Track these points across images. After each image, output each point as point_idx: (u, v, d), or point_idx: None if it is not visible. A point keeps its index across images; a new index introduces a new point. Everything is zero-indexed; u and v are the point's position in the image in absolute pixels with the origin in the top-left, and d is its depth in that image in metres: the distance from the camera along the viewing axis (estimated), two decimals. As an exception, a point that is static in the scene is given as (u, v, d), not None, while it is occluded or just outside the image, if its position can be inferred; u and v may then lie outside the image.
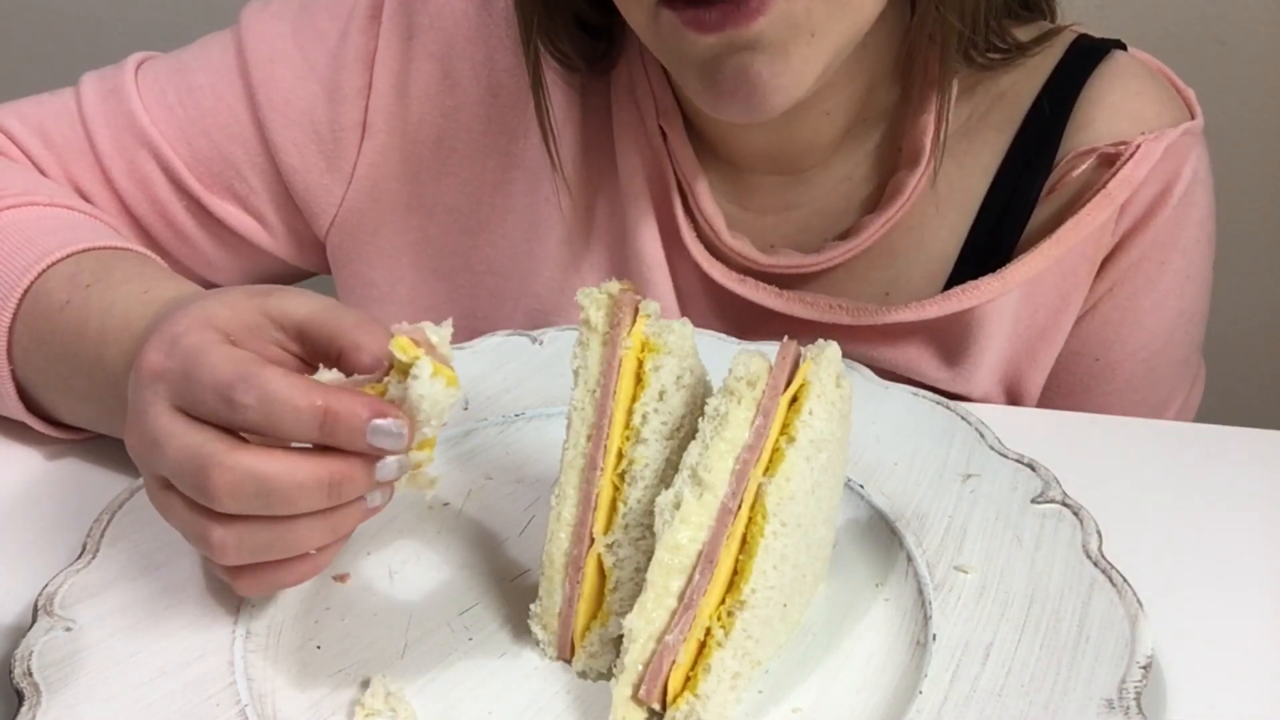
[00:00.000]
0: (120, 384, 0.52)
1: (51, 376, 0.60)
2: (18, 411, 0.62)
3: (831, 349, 0.49)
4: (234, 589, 0.47)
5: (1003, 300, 0.70)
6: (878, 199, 0.72)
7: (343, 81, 0.73)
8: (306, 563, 0.46)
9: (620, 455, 0.49)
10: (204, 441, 0.43)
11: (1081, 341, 0.73)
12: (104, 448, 0.64)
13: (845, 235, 0.72)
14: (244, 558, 0.45)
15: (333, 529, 0.45)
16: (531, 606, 0.50)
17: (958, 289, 0.69)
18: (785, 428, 0.47)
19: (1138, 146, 0.67)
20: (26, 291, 0.60)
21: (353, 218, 0.76)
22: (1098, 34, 0.73)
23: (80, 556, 0.53)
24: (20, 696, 0.46)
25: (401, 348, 0.44)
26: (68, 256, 0.61)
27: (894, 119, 0.70)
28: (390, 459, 0.44)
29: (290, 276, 0.81)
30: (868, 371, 0.69)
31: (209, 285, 0.74)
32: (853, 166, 0.72)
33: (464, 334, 0.80)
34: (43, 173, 0.72)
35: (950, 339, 0.71)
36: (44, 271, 0.61)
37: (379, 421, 0.43)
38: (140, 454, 0.46)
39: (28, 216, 0.65)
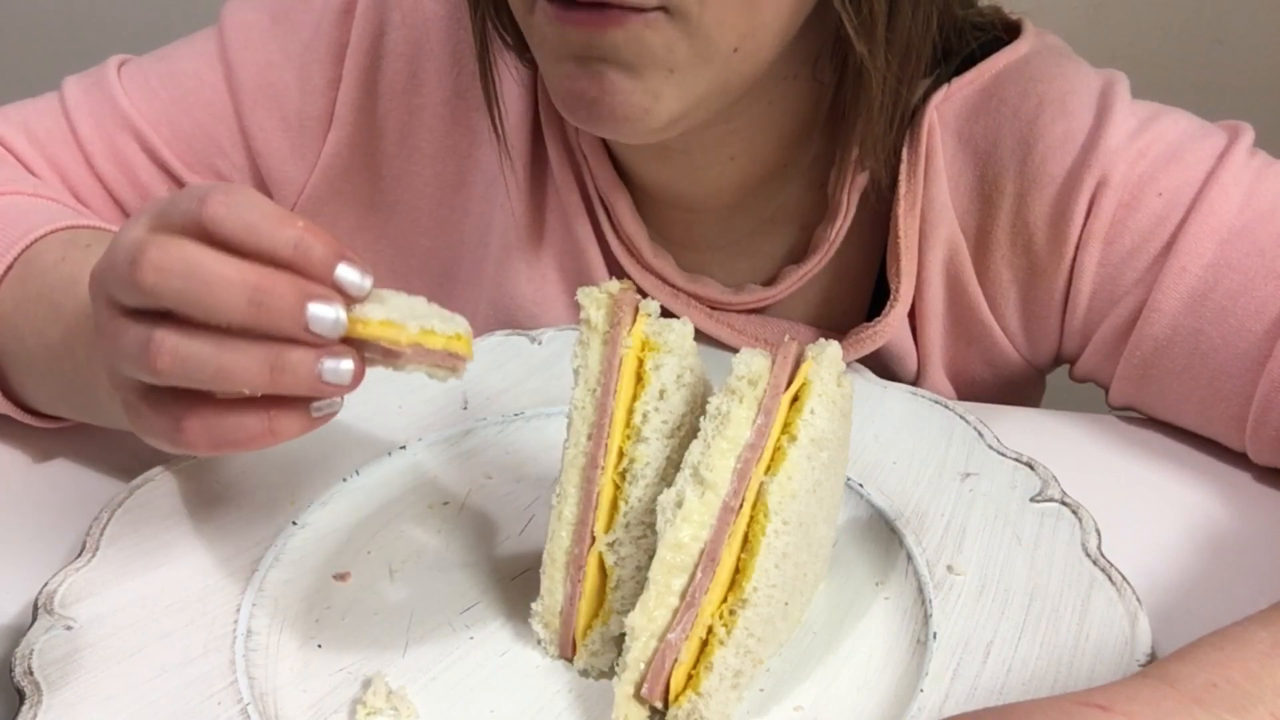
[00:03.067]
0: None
1: (29, 337, 0.59)
2: None
3: (833, 348, 0.49)
4: (180, 440, 0.45)
5: (904, 327, 0.70)
6: (803, 249, 0.72)
7: (313, 73, 0.73)
8: (252, 416, 0.44)
9: (621, 454, 0.49)
10: (150, 233, 0.43)
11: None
12: (104, 446, 0.64)
13: (768, 282, 0.73)
14: (178, 367, 0.42)
15: (271, 365, 0.42)
16: (533, 605, 0.50)
17: (863, 329, 0.70)
18: (787, 426, 0.47)
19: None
20: (13, 264, 0.60)
21: (312, 207, 0.76)
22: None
23: (80, 555, 0.53)
24: (21, 695, 0.46)
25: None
26: (62, 229, 0.62)
27: (819, 168, 0.70)
28: (323, 310, 0.42)
29: None
30: (867, 371, 0.70)
31: None
32: (774, 210, 0.72)
33: None
34: (27, 167, 0.73)
35: (877, 365, 0.72)
36: (35, 241, 0.61)
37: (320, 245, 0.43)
38: (99, 272, 0.45)
39: (12, 203, 0.66)
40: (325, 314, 0.42)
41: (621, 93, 0.57)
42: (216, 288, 0.41)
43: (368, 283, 0.43)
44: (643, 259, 0.72)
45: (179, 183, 0.75)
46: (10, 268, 0.61)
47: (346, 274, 0.43)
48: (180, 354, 0.42)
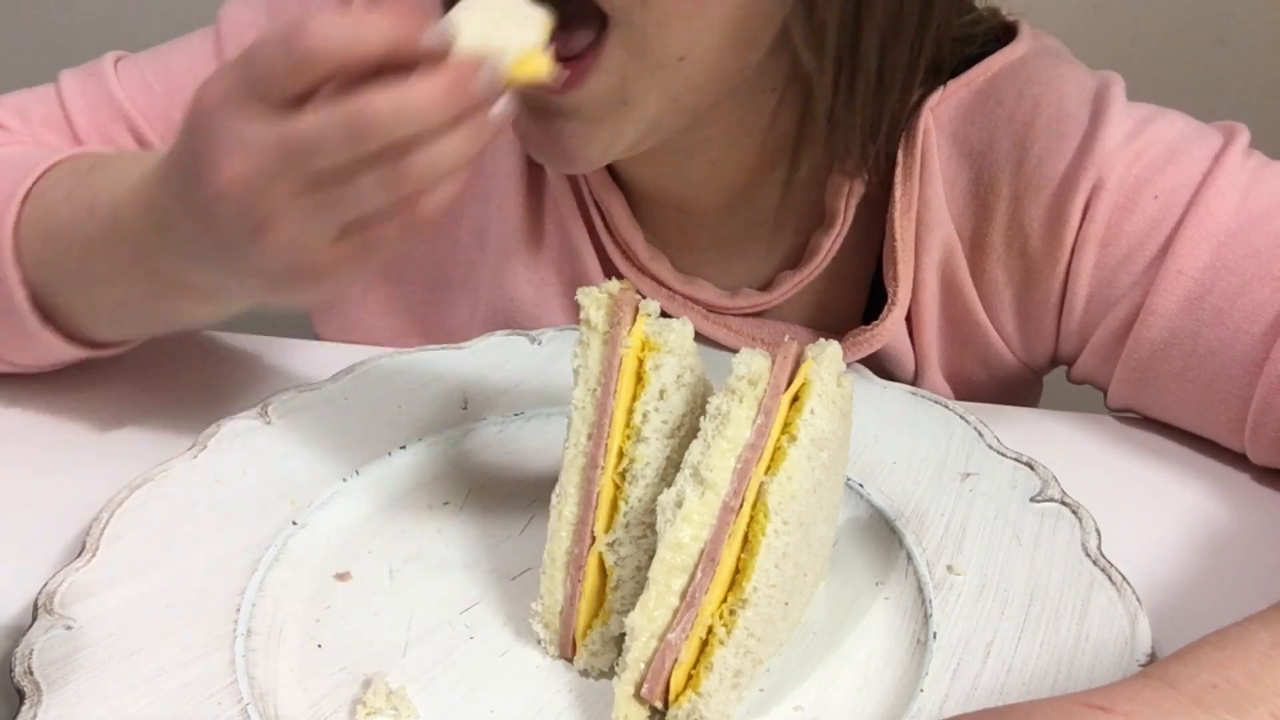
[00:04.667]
0: (142, 240, 0.53)
1: (69, 272, 0.60)
2: (34, 327, 0.61)
3: (833, 348, 0.49)
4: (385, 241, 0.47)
5: (901, 330, 0.71)
6: (799, 254, 0.72)
7: None
8: (440, 191, 0.47)
9: (621, 454, 0.49)
10: (334, 105, 0.44)
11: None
12: (105, 446, 0.64)
13: (764, 288, 0.73)
14: (432, 167, 0.45)
15: (475, 134, 0.46)
16: (533, 605, 0.50)
17: (861, 332, 0.70)
18: (787, 426, 0.47)
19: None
20: (25, 198, 0.61)
21: None
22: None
23: (80, 554, 0.53)
24: (21, 695, 0.46)
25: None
26: (61, 162, 0.63)
27: (815, 175, 0.70)
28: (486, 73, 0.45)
29: None
30: (866, 371, 0.70)
31: None
32: (767, 214, 0.72)
33: (419, 339, 0.80)
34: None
35: (875, 367, 0.72)
36: (40, 177, 0.62)
37: None
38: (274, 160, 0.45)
39: (6, 153, 0.67)
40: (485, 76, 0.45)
41: (581, 142, 0.59)
42: (434, 109, 0.44)
43: (445, 29, 0.45)
44: (638, 261, 0.72)
45: None
46: (21, 210, 0.61)
47: (433, 36, 0.45)
48: (430, 157, 0.45)
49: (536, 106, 0.58)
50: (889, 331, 0.69)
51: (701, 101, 0.61)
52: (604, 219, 0.72)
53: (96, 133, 0.74)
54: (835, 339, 0.69)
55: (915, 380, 0.73)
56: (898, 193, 0.67)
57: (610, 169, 0.72)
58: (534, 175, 0.74)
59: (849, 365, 0.69)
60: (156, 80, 0.75)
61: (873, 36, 0.59)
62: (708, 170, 0.69)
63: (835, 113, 0.62)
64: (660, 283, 0.73)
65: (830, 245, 0.69)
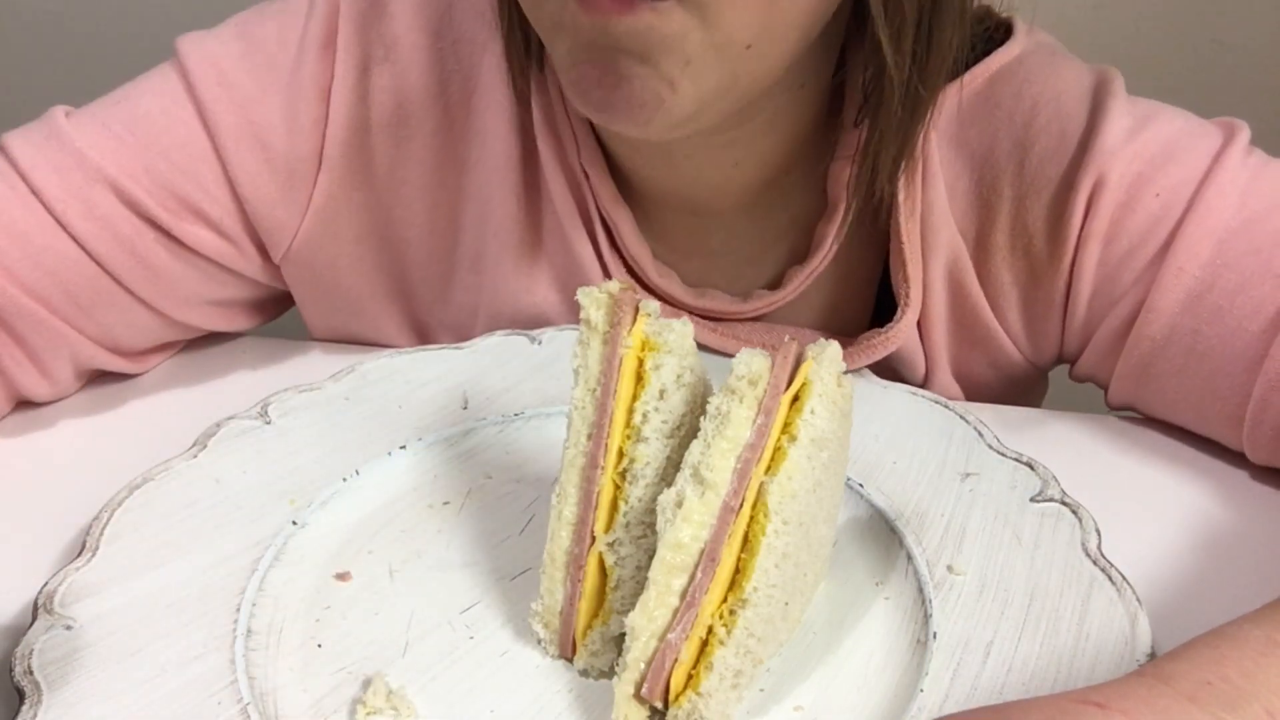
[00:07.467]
0: None
1: None
2: None
3: (833, 348, 0.49)
4: None
5: (913, 333, 0.70)
6: (805, 248, 0.72)
7: (299, 111, 0.69)
8: None
9: (621, 454, 0.49)
10: None
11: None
12: (104, 445, 0.64)
13: (774, 286, 0.73)
14: None
15: None
16: (533, 605, 0.50)
17: (875, 334, 0.69)
18: (787, 426, 0.47)
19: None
20: None
21: (308, 250, 0.73)
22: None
23: (80, 554, 0.53)
24: (21, 695, 0.46)
25: None
26: None
27: (817, 165, 0.70)
28: None
29: (268, 300, 0.78)
30: (866, 371, 0.70)
31: (180, 323, 0.72)
32: (777, 212, 0.72)
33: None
34: None
35: (885, 369, 0.72)
36: None
37: None
38: None
39: None
40: None
41: (636, 79, 0.55)
42: None
43: None
44: (647, 279, 0.72)
45: (167, 233, 0.68)
46: None
47: None
48: None
49: (593, 40, 0.55)
50: (903, 334, 0.69)
51: (755, 91, 0.59)
52: (609, 236, 0.72)
53: (74, 200, 0.65)
54: (849, 343, 0.69)
55: (926, 382, 0.73)
56: (901, 195, 0.67)
57: (620, 177, 0.71)
58: (532, 196, 0.72)
59: (864, 369, 0.69)
60: (128, 132, 0.66)
61: (951, 15, 0.59)
62: (729, 172, 0.69)
63: (889, 109, 0.61)
64: (670, 301, 0.72)
65: (835, 233, 0.69)
